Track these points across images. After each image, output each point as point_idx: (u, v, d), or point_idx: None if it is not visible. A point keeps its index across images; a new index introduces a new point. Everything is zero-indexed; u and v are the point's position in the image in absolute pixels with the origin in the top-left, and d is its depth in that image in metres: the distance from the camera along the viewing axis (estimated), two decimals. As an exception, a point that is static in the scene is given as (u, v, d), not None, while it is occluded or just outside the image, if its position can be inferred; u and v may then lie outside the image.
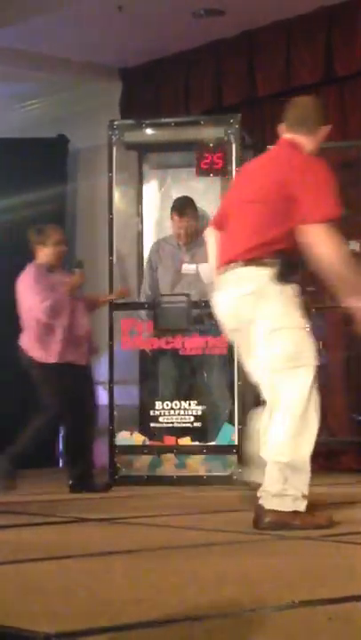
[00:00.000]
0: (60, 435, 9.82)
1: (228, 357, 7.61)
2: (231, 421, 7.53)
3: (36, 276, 7.06)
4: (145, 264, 8.23)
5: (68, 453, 7.32)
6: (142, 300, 8.02)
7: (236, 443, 7.44)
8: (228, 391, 7.70)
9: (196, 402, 7.62)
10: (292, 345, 4.73)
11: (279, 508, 4.67)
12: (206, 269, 5.10)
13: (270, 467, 4.73)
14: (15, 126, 10.27)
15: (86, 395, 7.11)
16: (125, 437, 7.62)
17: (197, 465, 7.48)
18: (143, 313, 7.86)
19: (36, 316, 6.98)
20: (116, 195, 7.98)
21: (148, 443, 7.57)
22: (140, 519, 5.30)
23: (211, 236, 5.23)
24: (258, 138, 8.56)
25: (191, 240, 7.95)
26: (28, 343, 7.05)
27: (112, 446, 7.62)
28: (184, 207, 7.91)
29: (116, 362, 7.74)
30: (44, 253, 7.14)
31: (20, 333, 7.16)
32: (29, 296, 7.03)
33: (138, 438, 7.59)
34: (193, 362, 7.88)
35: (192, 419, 7.57)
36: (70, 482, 7.04)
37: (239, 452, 7.43)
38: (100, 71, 9.80)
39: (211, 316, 7.82)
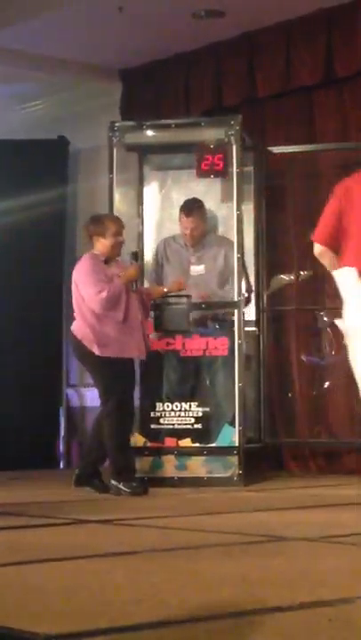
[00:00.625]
0: (61, 435, 9.89)
1: (229, 359, 7.61)
2: (232, 423, 7.52)
3: (92, 267, 7.00)
4: (152, 259, 8.23)
5: (106, 448, 7.15)
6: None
7: (237, 444, 7.44)
8: (228, 392, 7.70)
9: (196, 403, 7.62)
10: None
11: None
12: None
13: None
14: (15, 127, 10.27)
15: (132, 390, 7.13)
16: (126, 439, 7.61)
17: (198, 466, 7.48)
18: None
19: (90, 306, 6.95)
20: (117, 196, 7.98)
21: (148, 444, 7.57)
22: (141, 520, 5.29)
23: (327, 257, 5.44)
24: (258, 139, 8.57)
25: (198, 241, 7.97)
26: (81, 332, 7.00)
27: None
28: (192, 208, 7.93)
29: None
30: (102, 245, 7.07)
31: (73, 321, 7.11)
32: (85, 286, 6.97)
33: (139, 439, 7.58)
34: (194, 363, 7.88)
35: (193, 420, 7.57)
36: (111, 478, 6.97)
37: (240, 454, 7.44)
38: (100, 72, 9.80)
39: (212, 317, 7.89)
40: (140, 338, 7.05)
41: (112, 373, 6.94)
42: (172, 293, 7.73)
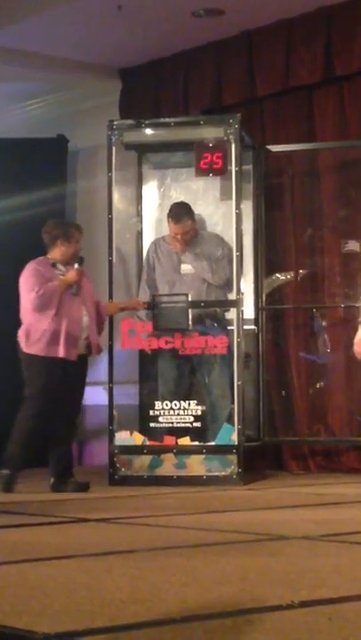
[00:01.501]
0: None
1: (229, 357, 7.61)
2: (231, 421, 7.53)
3: (35, 269, 7.15)
4: (143, 262, 8.24)
5: (48, 451, 7.30)
6: (140, 299, 8.03)
7: (236, 443, 7.44)
8: (228, 391, 7.70)
9: (195, 402, 7.62)
10: None
11: None
12: None
13: None
14: (15, 126, 10.27)
15: (70, 392, 7.13)
16: (125, 437, 7.61)
17: (197, 465, 7.48)
18: (142, 313, 7.86)
19: (25, 305, 7.09)
20: (116, 195, 7.98)
21: (147, 443, 7.57)
22: (140, 519, 5.29)
23: None
24: (257, 137, 8.57)
25: (188, 243, 7.98)
26: (20, 332, 7.13)
27: (112, 446, 7.62)
28: (180, 215, 7.94)
29: (116, 362, 7.73)
30: (66, 249, 7.22)
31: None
32: (22, 286, 7.16)
33: (138, 438, 7.59)
34: (193, 362, 7.89)
35: (192, 419, 7.57)
36: (51, 480, 7.13)
37: (239, 452, 7.44)
38: (99, 71, 9.80)
39: (210, 315, 7.89)
40: (77, 341, 7.08)
41: (37, 371, 7.05)
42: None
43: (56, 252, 7.23)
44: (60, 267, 7.21)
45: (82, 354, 7.18)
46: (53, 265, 7.20)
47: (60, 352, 7.01)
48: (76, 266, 7.20)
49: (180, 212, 7.96)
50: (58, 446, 7.17)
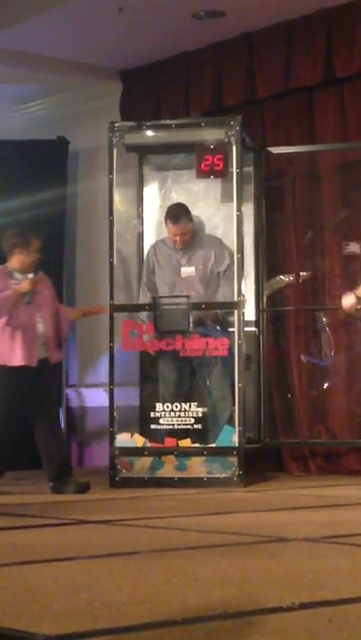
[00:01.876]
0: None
1: (229, 359, 7.61)
2: (231, 423, 7.52)
3: None
4: (143, 265, 8.24)
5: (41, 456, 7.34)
6: (140, 301, 8.03)
7: (237, 445, 7.43)
8: (228, 393, 7.70)
9: (196, 404, 7.62)
10: None
11: None
12: None
13: None
14: (15, 128, 10.27)
15: (37, 397, 7.15)
16: (126, 439, 7.61)
17: (198, 467, 7.48)
18: (143, 315, 7.87)
19: None
20: (117, 196, 7.98)
21: (148, 444, 7.57)
22: (141, 521, 5.29)
23: None
24: (258, 139, 8.57)
25: (187, 244, 7.98)
26: None
27: (112, 448, 7.62)
28: (178, 215, 7.94)
29: (117, 363, 7.73)
30: (24, 257, 7.26)
31: None
32: None
33: (138, 440, 7.58)
34: (193, 364, 7.89)
35: (192, 420, 7.57)
36: (51, 483, 7.15)
37: (239, 454, 7.44)
38: (100, 73, 9.80)
39: (211, 317, 7.89)
40: (35, 347, 7.11)
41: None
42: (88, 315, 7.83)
43: (15, 261, 7.28)
44: (18, 275, 7.25)
45: (43, 358, 7.21)
46: (10, 274, 7.23)
47: (18, 360, 7.05)
48: (29, 275, 7.22)
49: (178, 212, 7.97)
50: (46, 451, 7.19)
